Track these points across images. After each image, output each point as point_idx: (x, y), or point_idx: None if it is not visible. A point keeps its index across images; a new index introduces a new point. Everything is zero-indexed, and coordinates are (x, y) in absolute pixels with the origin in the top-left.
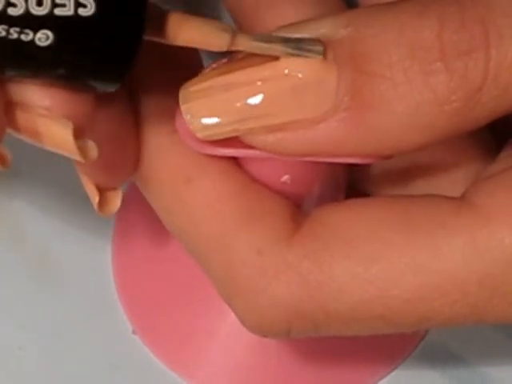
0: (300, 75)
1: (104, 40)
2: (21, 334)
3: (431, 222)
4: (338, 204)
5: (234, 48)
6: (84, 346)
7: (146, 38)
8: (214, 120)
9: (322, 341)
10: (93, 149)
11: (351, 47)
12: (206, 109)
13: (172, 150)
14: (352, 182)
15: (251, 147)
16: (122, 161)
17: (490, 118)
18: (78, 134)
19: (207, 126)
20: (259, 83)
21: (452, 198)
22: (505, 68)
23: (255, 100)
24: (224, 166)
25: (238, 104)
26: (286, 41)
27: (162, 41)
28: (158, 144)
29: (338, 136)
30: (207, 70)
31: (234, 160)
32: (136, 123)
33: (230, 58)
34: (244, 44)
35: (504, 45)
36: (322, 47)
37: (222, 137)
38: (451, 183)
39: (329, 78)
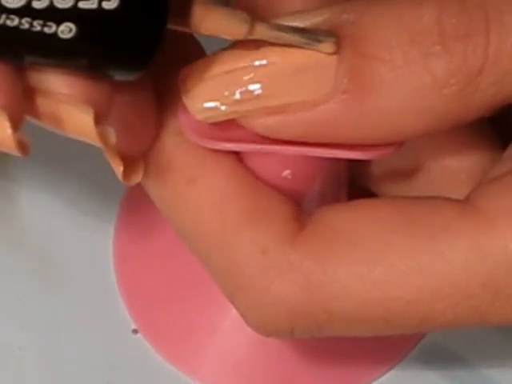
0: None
1: (128, 32)
2: (21, 334)
3: (434, 225)
4: (342, 205)
5: (251, 37)
6: (84, 346)
7: (170, 27)
8: (214, 103)
9: (322, 337)
10: (112, 135)
11: (351, 31)
12: (206, 91)
13: (176, 150)
14: (354, 180)
15: (253, 141)
16: (143, 128)
17: (490, 105)
18: (98, 120)
19: (207, 109)
20: (260, 66)
21: (456, 201)
22: (504, 54)
23: (256, 81)
24: (227, 166)
25: (238, 86)
26: (302, 31)
27: (185, 30)
28: (162, 145)
29: (337, 118)
30: (208, 55)
31: (238, 158)
32: (155, 90)
33: (231, 44)
34: (261, 33)
35: (504, 30)
36: (334, 38)
37: (221, 119)
38: (455, 183)
39: (328, 61)
